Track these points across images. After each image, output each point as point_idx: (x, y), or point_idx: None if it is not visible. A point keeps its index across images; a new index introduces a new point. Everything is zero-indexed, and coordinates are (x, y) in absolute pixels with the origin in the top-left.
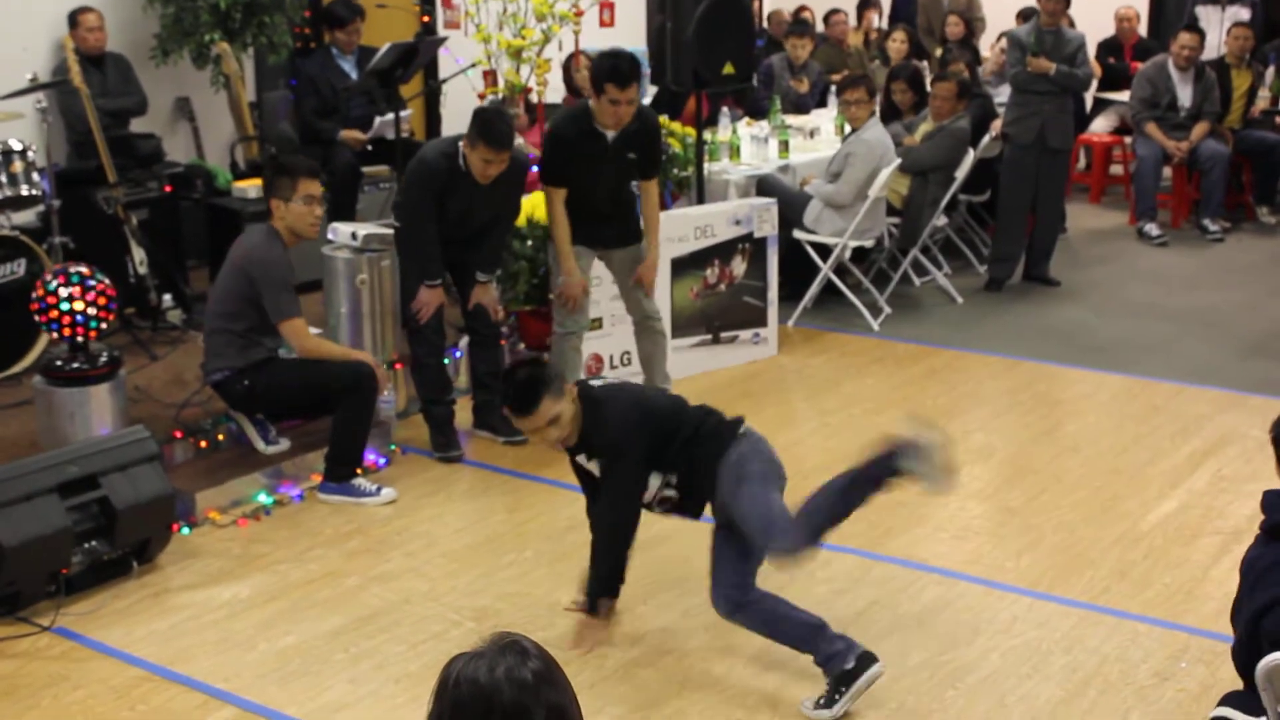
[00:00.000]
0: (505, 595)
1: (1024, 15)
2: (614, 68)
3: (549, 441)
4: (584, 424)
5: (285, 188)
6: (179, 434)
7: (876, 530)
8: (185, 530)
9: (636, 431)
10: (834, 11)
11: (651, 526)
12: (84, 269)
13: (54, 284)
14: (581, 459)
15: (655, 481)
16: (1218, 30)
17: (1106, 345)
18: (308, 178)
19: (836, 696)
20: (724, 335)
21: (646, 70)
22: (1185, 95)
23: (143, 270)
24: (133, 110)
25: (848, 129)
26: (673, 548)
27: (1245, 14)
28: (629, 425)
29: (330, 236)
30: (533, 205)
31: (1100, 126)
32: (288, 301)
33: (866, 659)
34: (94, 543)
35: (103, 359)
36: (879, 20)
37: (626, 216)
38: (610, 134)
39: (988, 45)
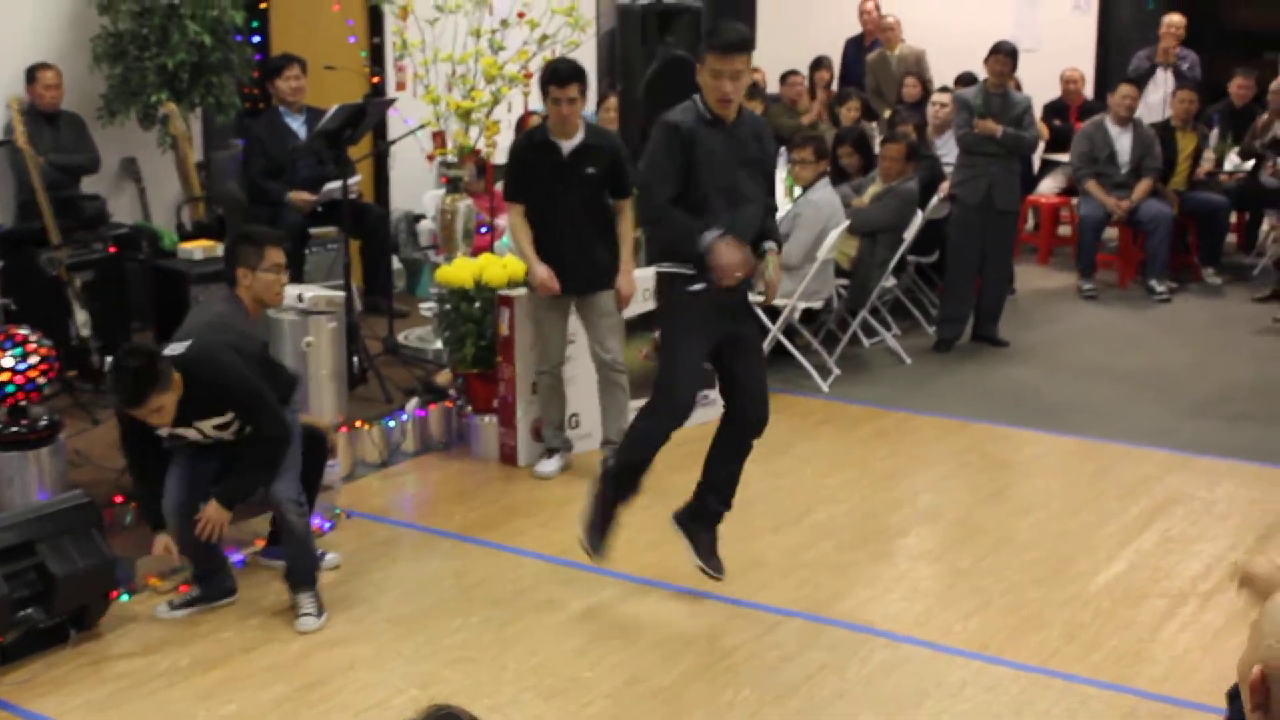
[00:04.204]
0: (451, 661)
1: (962, 80)
2: (553, 69)
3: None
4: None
5: (253, 257)
6: (120, 499)
7: (824, 592)
8: (125, 597)
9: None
10: (792, 72)
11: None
12: (24, 331)
13: None
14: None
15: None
16: (1162, 90)
17: (1055, 406)
18: (274, 246)
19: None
20: None
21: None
22: (1123, 149)
23: (85, 332)
24: (85, 167)
25: (797, 190)
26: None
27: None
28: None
29: None
30: (480, 268)
31: (1047, 187)
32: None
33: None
34: (30, 610)
35: (43, 422)
36: (832, 80)
37: (596, 254)
38: (566, 146)
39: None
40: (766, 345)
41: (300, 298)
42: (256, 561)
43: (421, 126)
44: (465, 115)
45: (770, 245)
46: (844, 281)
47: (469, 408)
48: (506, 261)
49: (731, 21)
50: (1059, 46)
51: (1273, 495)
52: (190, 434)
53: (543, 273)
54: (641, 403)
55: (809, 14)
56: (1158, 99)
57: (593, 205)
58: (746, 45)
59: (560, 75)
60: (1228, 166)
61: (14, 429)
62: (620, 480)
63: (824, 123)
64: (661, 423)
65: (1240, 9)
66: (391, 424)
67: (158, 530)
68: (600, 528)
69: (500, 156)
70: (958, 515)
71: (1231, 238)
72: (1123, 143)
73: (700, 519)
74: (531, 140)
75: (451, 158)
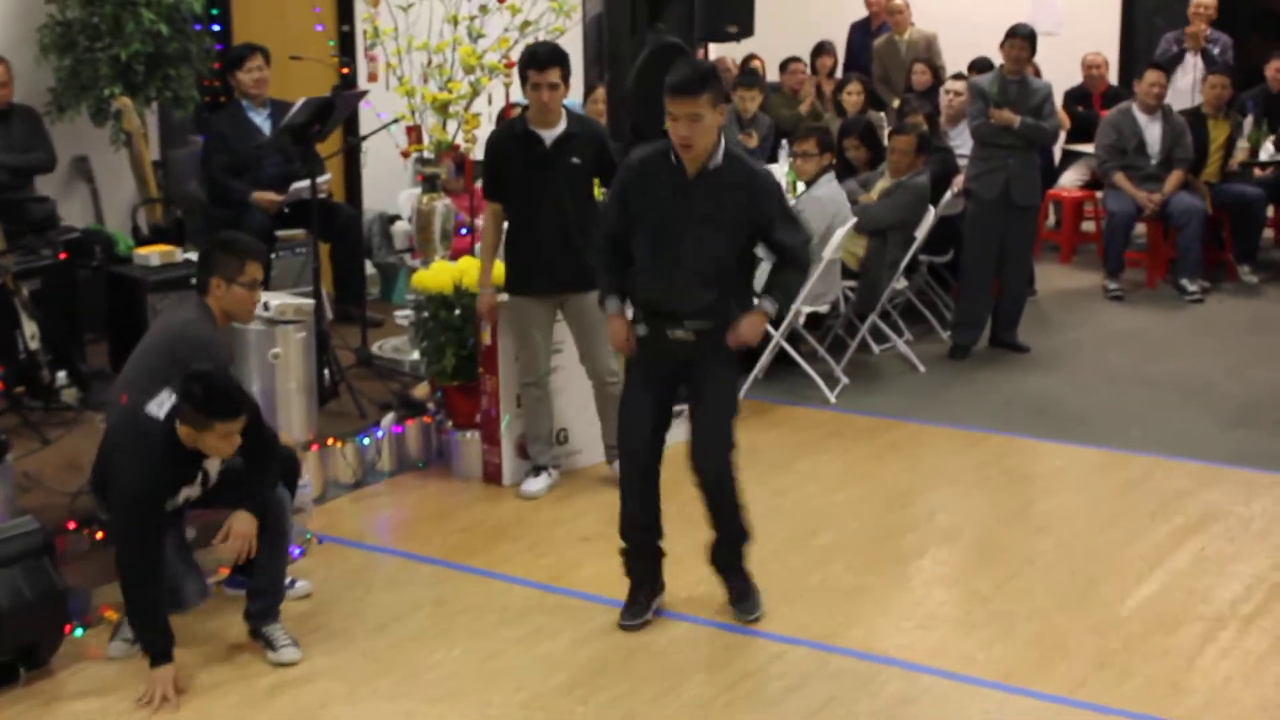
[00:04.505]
0: (432, 698)
1: (977, 66)
2: (531, 53)
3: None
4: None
5: (231, 269)
6: (73, 525)
7: (834, 619)
8: (79, 631)
9: None
10: (793, 59)
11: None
12: None
13: None
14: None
15: None
16: (1192, 75)
17: (1080, 416)
18: (255, 261)
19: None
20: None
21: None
22: (1153, 138)
23: (34, 345)
24: (40, 166)
25: (800, 186)
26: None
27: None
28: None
29: None
30: (459, 272)
31: (1070, 180)
32: None
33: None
34: None
35: None
36: (835, 67)
37: (584, 249)
38: (548, 136)
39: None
40: (769, 352)
41: (266, 305)
42: (221, 592)
43: (395, 121)
44: (442, 108)
45: (764, 304)
46: (851, 283)
47: (449, 423)
48: None
49: (691, 61)
50: (1080, 29)
51: None
52: (194, 491)
53: (486, 302)
54: None
55: None
56: (1187, 85)
57: (579, 198)
58: (702, 85)
59: (539, 59)
60: (1263, 156)
61: None
62: (628, 545)
63: (828, 113)
64: (622, 476)
65: None
66: (366, 441)
67: (163, 663)
68: (632, 602)
69: (480, 152)
70: (976, 535)
71: (1268, 232)
72: (1152, 132)
73: (717, 563)
74: (511, 131)
75: (428, 154)
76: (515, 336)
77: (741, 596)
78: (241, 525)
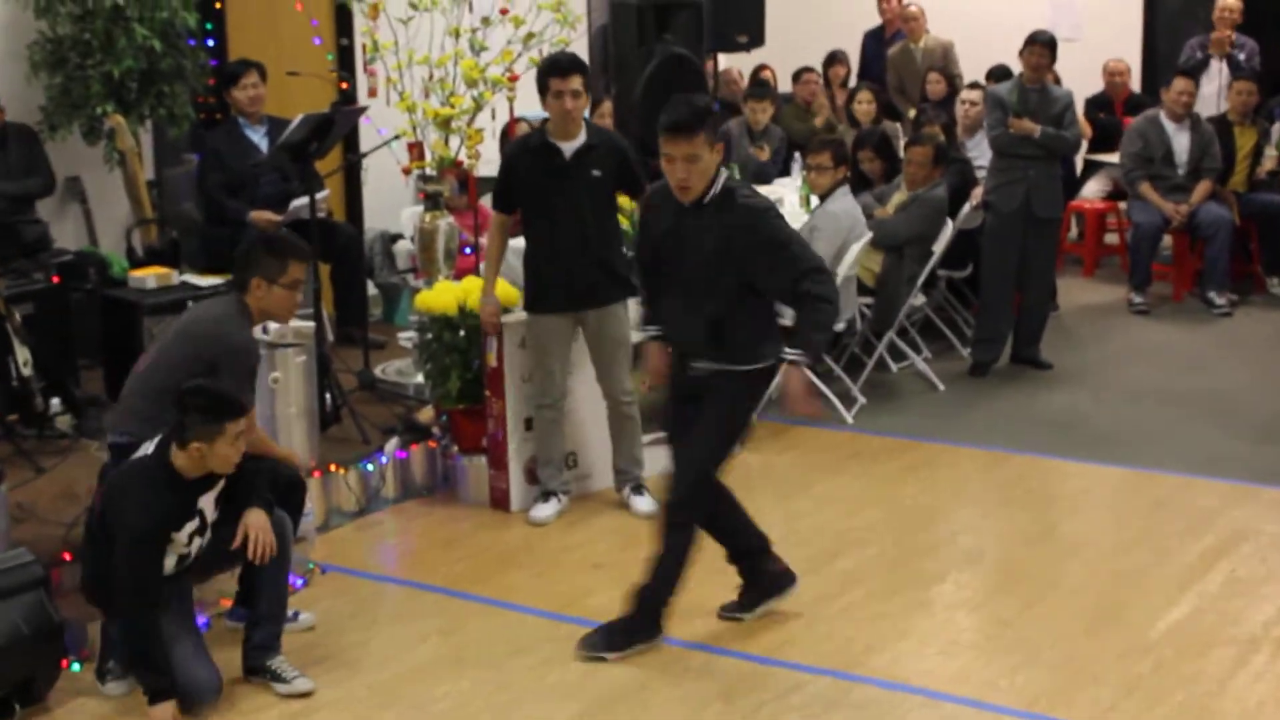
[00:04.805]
0: None
1: (995, 75)
2: (552, 61)
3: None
4: None
5: (274, 269)
6: (69, 556)
7: (853, 647)
8: (76, 666)
9: None
10: (805, 69)
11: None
12: None
13: None
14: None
15: None
16: (1217, 81)
17: (1105, 434)
18: (299, 261)
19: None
20: None
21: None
22: (1181, 148)
23: (27, 372)
24: (38, 192)
25: (814, 201)
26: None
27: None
28: None
29: None
30: (464, 292)
31: (1092, 191)
32: (249, 392)
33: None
34: None
35: None
36: (848, 77)
37: (604, 263)
38: (567, 148)
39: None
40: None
41: (265, 329)
42: (222, 624)
43: (396, 137)
44: (444, 124)
45: (792, 357)
46: (868, 300)
47: (455, 448)
48: None
49: (684, 97)
50: (1101, 35)
51: None
52: (195, 529)
53: (490, 311)
54: (645, 438)
55: (823, 5)
56: (1212, 91)
57: (600, 211)
58: (698, 124)
59: (561, 66)
60: None
61: None
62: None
63: (842, 124)
64: None
65: None
66: (369, 467)
67: (163, 700)
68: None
69: (484, 168)
70: (1000, 558)
71: None
72: (1180, 142)
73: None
74: (527, 145)
75: (430, 171)
76: (532, 356)
77: (604, 628)
78: (256, 518)
